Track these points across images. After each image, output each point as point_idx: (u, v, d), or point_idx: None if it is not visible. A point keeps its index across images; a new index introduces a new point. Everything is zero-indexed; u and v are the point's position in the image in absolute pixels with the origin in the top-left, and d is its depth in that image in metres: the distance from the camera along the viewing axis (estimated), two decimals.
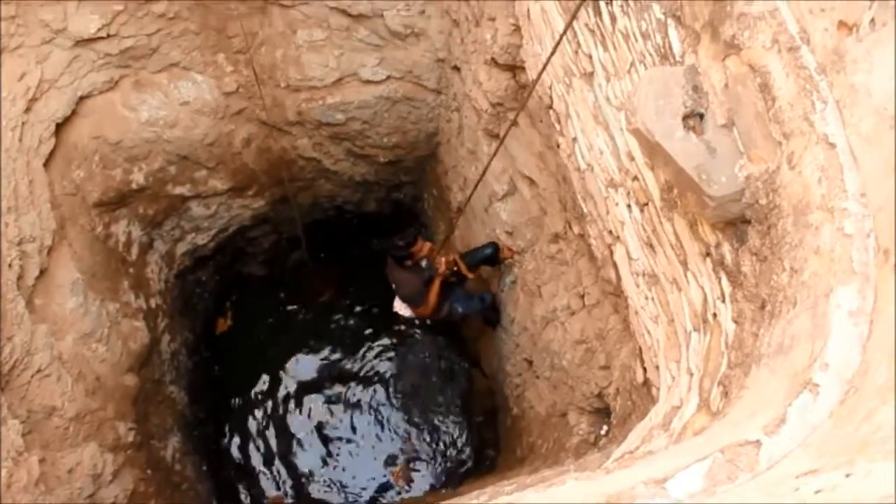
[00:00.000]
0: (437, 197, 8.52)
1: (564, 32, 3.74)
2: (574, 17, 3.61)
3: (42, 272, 5.78)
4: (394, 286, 6.89)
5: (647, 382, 4.17)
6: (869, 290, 1.86)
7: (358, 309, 9.82)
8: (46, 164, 6.03)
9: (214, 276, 9.29)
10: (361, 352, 9.53)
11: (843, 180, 1.95)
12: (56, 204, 6.11)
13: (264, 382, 9.32)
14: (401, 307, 7.08)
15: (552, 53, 3.93)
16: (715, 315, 2.90)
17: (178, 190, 7.66)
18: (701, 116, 2.52)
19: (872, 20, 1.76)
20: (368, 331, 9.67)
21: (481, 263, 7.06)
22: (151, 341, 7.26)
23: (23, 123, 5.71)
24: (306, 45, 6.78)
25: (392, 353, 9.55)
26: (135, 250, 7.41)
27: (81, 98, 6.35)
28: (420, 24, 6.49)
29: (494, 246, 6.80)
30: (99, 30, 5.94)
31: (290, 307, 9.86)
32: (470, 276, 7.04)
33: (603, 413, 5.33)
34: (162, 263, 7.96)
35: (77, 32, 5.87)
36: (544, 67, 4.11)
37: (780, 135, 2.20)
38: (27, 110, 5.76)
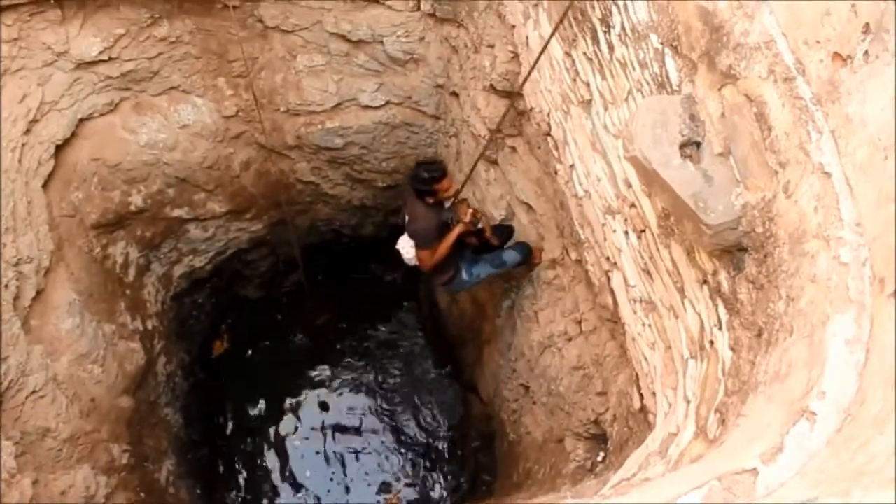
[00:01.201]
0: None
1: (553, 33, 3.78)
2: (561, 20, 3.66)
3: (39, 293, 5.77)
4: (405, 218, 6.03)
5: (643, 409, 4.17)
6: (865, 318, 1.87)
7: (355, 333, 9.80)
8: (45, 186, 6.05)
9: (211, 298, 9.27)
10: (358, 376, 9.50)
11: (839, 209, 1.97)
12: (54, 225, 6.12)
13: (260, 406, 9.27)
14: (405, 245, 6.12)
15: (540, 53, 3.98)
16: (712, 342, 2.91)
17: (177, 212, 7.67)
18: (698, 145, 2.55)
19: (866, 52, 1.79)
20: (365, 355, 9.64)
21: (507, 241, 6.37)
22: (147, 363, 7.24)
23: (23, 145, 5.73)
24: (306, 70, 6.82)
25: (389, 378, 9.51)
26: (132, 272, 7.40)
27: (81, 120, 6.37)
28: (419, 51, 6.54)
29: (512, 228, 6.30)
30: (101, 53, 5.98)
31: (286, 330, 9.83)
32: (492, 240, 6.15)
33: (600, 439, 5.31)
34: (159, 285, 7.96)
35: (79, 55, 5.91)
36: (532, 68, 4.15)
37: (777, 164, 2.22)
38: (27, 132, 5.78)
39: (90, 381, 6.22)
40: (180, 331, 8.54)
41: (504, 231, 6.34)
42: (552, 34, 3.83)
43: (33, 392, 5.50)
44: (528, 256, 6.14)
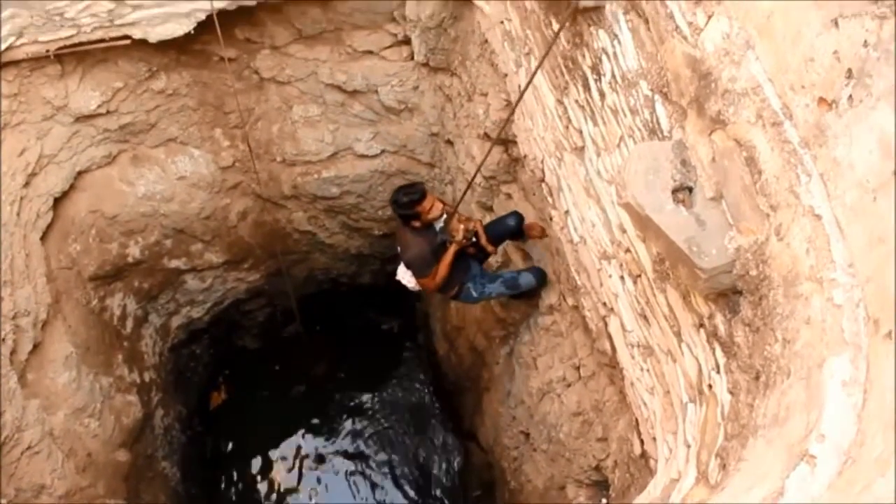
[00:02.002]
0: None
1: (538, 66, 3.83)
2: (546, 54, 3.71)
3: (35, 346, 5.75)
4: (398, 248, 5.73)
5: (644, 454, 4.13)
6: (861, 360, 1.87)
7: (353, 382, 9.74)
8: (43, 238, 6.07)
9: (209, 349, 9.24)
10: (357, 426, 9.42)
11: (831, 251, 1.98)
12: (52, 278, 6.12)
13: (258, 457, 9.17)
14: (404, 275, 5.89)
15: (524, 89, 4.02)
16: (710, 386, 2.90)
17: (174, 263, 7.68)
18: (690, 190, 2.57)
19: (850, 97, 1.82)
20: (363, 405, 9.57)
21: (504, 237, 6.00)
22: (144, 416, 7.18)
23: (21, 198, 5.77)
24: (302, 121, 6.90)
25: (388, 427, 9.43)
26: (129, 324, 7.38)
27: (80, 172, 6.42)
28: (414, 100, 6.63)
29: (518, 216, 5.80)
30: (99, 106, 6.05)
31: (285, 380, 9.77)
32: (491, 249, 5.88)
33: (601, 486, 5.25)
34: (156, 337, 7.93)
35: (77, 109, 5.98)
36: (516, 105, 4.20)
37: (768, 207, 2.24)
38: (26, 185, 5.82)
39: (87, 435, 6.16)
40: (178, 382, 8.49)
41: (502, 230, 5.90)
42: (537, 68, 3.89)
43: (28, 448, 5.44)
44: (543, 282, 5.86)
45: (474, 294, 5.90)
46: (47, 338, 5.93)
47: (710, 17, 2.45)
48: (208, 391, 9.56)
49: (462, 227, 5.46)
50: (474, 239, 5.59)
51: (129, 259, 7.18)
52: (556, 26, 3.92)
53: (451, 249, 5.48)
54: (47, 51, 5.32)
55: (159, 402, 7.77)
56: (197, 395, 9.20)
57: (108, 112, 6.16)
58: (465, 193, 5.85)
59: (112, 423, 6.52)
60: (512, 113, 4.21)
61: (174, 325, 8.27)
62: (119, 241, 7.03)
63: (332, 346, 9.81)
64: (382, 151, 7.19)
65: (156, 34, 5.40)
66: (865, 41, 1.76)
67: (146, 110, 6.39)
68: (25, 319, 5.64)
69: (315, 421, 9.45)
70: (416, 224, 5.42)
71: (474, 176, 5.60)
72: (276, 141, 7.03)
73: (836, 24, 1.85)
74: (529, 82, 4.03)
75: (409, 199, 5.32)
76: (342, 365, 9.82)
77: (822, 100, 1.94)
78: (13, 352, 5.47)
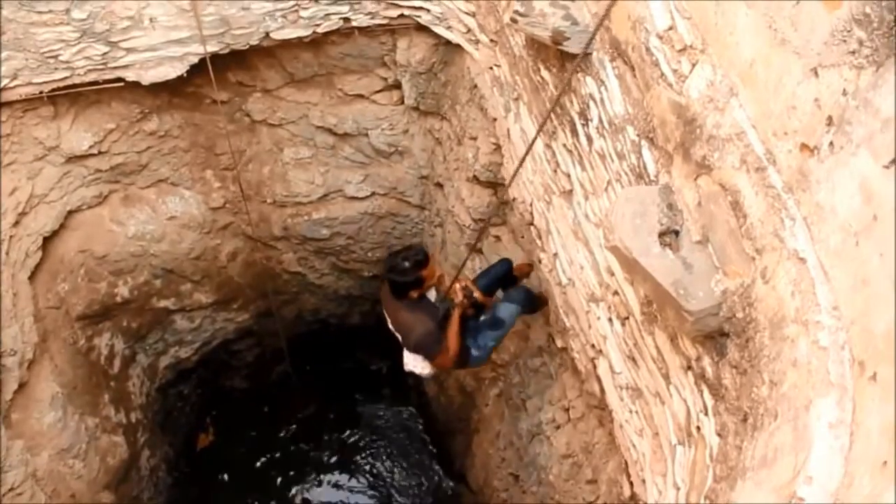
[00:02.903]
0: None
1: (537, 134, 3.88)
2: (545, 121, 3.76)
3: (21, 386, 5.70)
4: (398, 335, 5.01)
5: (634, 497, 4.11)
6: (847, 401, 1.89)
7: (342, 423, 9.66)
8: (32, 277, 6.04)
9: (196, 389, 9.16)
10: (346, 467, 9.32)
11: (816, 294, 2.01)
12: (39, 317, 6.09)
13: (246, 501, 9.04)
14: (415, 363, 5.15)
15: (525, 155, 4.07)
16: (699, 428, 2.90)
17: (163, 303, 7.66)
18: (676, 233, 2.61)
19: (831, 143, 1.87)
20: (353, 446, 9.49)
21: (496, 287, 5.47)
22: (130, 457, 7.09)
23: (10, 237, 5.76)
24: (293, 163, 6.95)
25: (378, 469, 9.34)
26: (117, 363, 7.33)
27: (70, 212, 6.42)
28: (404, 143, 6.69)
29: (507, 262, 5.44)
30: (91, 147, 6.08)
31: (273, 422, 9.69)
32: (487, 301, 5.20)
33: None
34: (144, 377, 7.87)
35: (69, 149, 6.00)
36: (519, 166, 4.24)
37: (753, 250, 2.28)
38: (16, 224, 5.81)
39: (71, 476, 6.08)
40: (165, 423, 8.40)
41: (494, 278, 5.46)
42: (535, 136, 3.95)
43: (11, 489, 5.37)
44: (530, 301, 5.32)
45: (476, 354, 5.25)
46: (33, 377, 5.88)
47: (694, 65, 2.51)
48: (195, 432, 9.46)
49: (457, 286, 4.92)
50: (474, 296, 4.99)
51: (118, 299, 7.15)
52: (544, 73, 4.00)
53: (456, 315, 4.88)
54: (41, 92, 5.37)
55: (146, 443, 7.68)
56: (184, 435, 9.10)
57: (99, 153, 6.19)
58: (466, 260, 5.37)
59: (97, 464, 6.43)
60: (520, 165, 4.17)
61: (162, 366, 8.21)
62: (108, 280, 7.01)
63: (321, 388, 9.75)
64: (372, 193, 7.24)
65: (149, 77, 5.45)
66: (845, 90, 1.81)
67: (138, 151, 6.42)
68: (11, 359, 5.59)
69: (303, 463, 9.34)
70: (414, 295, 4.76)
71: (480, 234, 5.33)
72: (267, 182, 7.06)
73: (816, 73, 1.91)
74: (534, 139, 4.10)
75: (413, 263, 4.63)
76: (331, 406, 9.75)
77: (804, 146, 1.99)
78: None
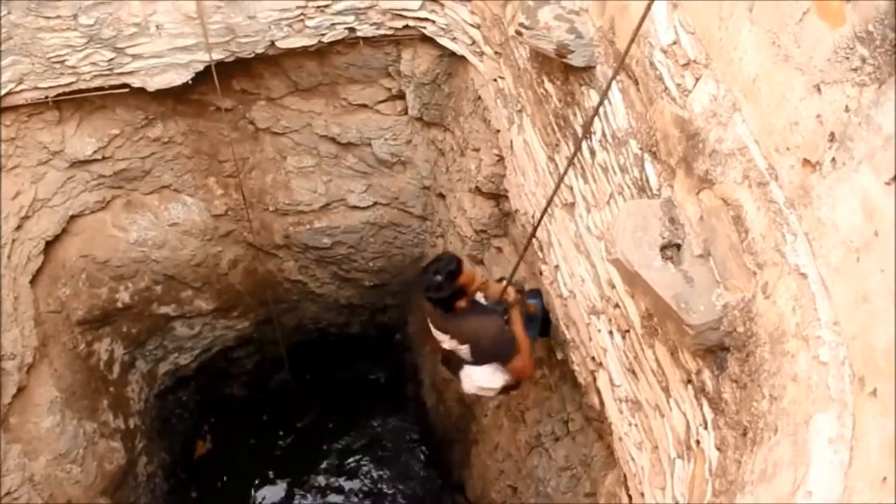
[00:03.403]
0: (422, 321, 8.55)
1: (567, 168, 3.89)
2: (574, 156, 3.78)
3: (20, 390, 5.70)
4: (461, 349, 4.48)
5: None
6: (847, 417, 1.89)
7: (340, 432, 9.65)
8: (33, 281, 6.05)
9: (195, 396, 9.15)
10: (344, 477, 9.31)
11: (816, 309, 2.02)
12: (39, 321, 6.09)
13: None
14: (483, 377, 4.62)
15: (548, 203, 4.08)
16: (698, 442, 2.90)
17: (163, 309, 7.66)
18: (678, 247, 2.62)
19: (833, 159, 1.88)
20: (351, 456, 9.47)
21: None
22: (128, 463, 7.08)
23: (13, 241, 5.77)
24: (295, 171, 6.96)
25: (375, 479, 9.32)
26: (116, 369, 7.33)
27: (72, 217, 6.43)
28: (407, 153, 6.71)
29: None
30: (95, 152, 6.09)
31: (271, 430, 9.67)
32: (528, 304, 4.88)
33: None
34: (143, 383, 7.87)
35: (73, 154, 6.02)
36: (545, 211, 4.25)
37: (754, 265, 2.29)
38: (18, 228, 5.82)
39: (68, 481, 6.07)
40: (163, 430, 8.39)
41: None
42: (566, 169, 3.96)
43: (8, 493, 5.36)
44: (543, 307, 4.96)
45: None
46: (32, 381, 5.88)
47: (697, 80, 2.53)
48: (193, 439, 9.44)
49: (510, 289, 4.61)
50: (527, 288, 4.81)
51: (119, 304, 7.16)
52: (548, 85, 4.02)
53: (516, 314, 4.57)
54: (46, 97, 5.39)
55: (143, 450, 7.68)
56: (181, 442, 9.08)
57: (103, 158, 6.20)
58: (515, 268, 4.64)
59: (94, 469, 6.43)
60: (545, 210, 3.91)
61: (161, 372, 8.21)
62: (109, 285, 7.02)
63: (320, 396, 9.74)
64: (375, 203, 7.25)
65: (154, 83, 5.47)
66: (847, 106, 1.82)
67: (141, 157, 6.43)
68: (11, 363, 5.59)
69: (301, 471, 9.33)
70: (463, 303, 4.36)
71: (527, 244, 4.46)
72: (270, 190, 7.08)
73: (819, 89, 1.92)
74: (561, 180, 4.11)
75: (446, 275, 4.22)
76: (330, 415, 9.74)
77: (806, 161, 2.00)
78: None
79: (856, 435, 1.85)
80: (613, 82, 3.22)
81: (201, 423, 9.59)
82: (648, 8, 2.40)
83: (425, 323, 4.69)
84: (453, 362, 4.80)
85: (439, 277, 4.22)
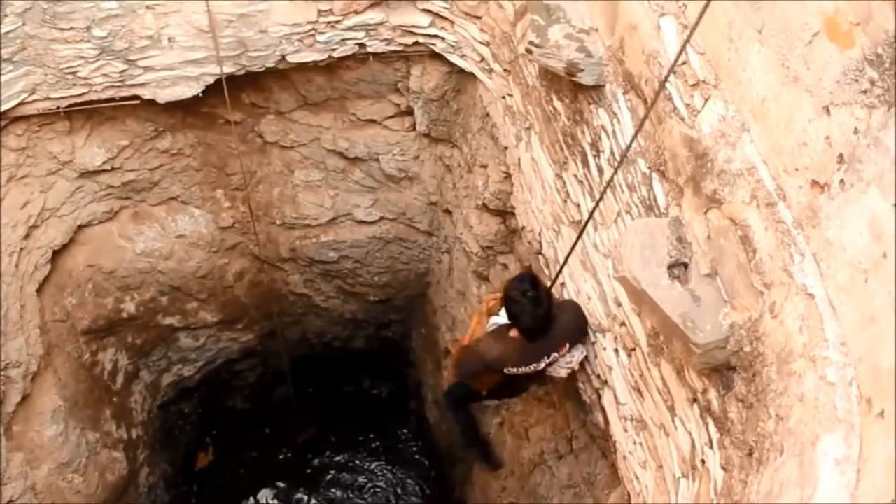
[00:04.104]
0: (426, 336, 8.55)
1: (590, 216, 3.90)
2: (602, 196, 3.78)
3: (24, 398, 5.70)
4: (560, 355, 4.23)
5: None
6: (854, 438, 1.89)
7: (342, 447, 9.62)
8: (39, 290, 6.06)
9: (198, 408, 9.15)
10: (345, 493, 9.27)
11: (824, 329, 2.02)
12: (45, 330, 6.10)
13: None
14: (580, 354, 4.36)
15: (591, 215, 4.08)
16: (703, 461, 2.90)
17: (168, 320, 7.67)
18: (685, 266, 2.62)
19: (842, 181, 1.89)
20: (352, 471, 9.44)
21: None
22: (129, 473, 7.07)
23: (21, 249, 5.79)
24: (303, 185, 6.99)
25: (377, 495, 9.28)
26: (120, 379, 7.33)
27: (80, 227, 6.46)
28: (414, 169, 6.73)
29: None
30: (104, 163, 6.12)
31: (273, 443, 9.65)
32: None
33: None
34: (146, 393, 7.86)
35: (83, 165, 6.05)
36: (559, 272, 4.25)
37: (762, 285, 2.29)
38: (26, 237, 5.85)
39: (69, 490, 6.06)
40: (165, 441, 8.38)
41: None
42: (588, 218, 3.98)
43: (9, 502, 5.36)
44: None
45: None
46: (36, 390, 5.88)
47: (706, 100, 2.54)
48: (195, 451, 9.42)
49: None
50: None
51: (124, 314, 7.17)
52: (556, 103, 4.04)
53: None
54: (58, 107, 5.42)
55: (145, 460, 7.66)
56: (183, 454, 9.07)
57: (112, 169, 6.23)
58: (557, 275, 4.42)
59: (96, 479, 6.41)
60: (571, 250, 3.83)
61: (164, 383, 8.20)
62: (115, 295, 7.03)
63: (323, 410, 9.72)
64: (381, 218, 7.27)
65: (165, 95, 5.51)
66: (856, 128, 1.83)
67: (150, 168, 6.46)
68: (16, 371, 5.60)
69: (302, 486, 9.29)
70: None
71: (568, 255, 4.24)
72: (277, 204, 7.10)
73: (828, 111, 1.94)
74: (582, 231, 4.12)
75: (533, 282, 3.96)
76: (332, 429, 9.72)
77: (814, 182, 2.01)
78: (0, 403, 5.43)
79: (863, 456, 1.85)
80: (623, 101, 3.24)
81: (203, 435, 9.57)
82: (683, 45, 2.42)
83: (486, 377, 4.45)
84: (517, 382, 4.57)
85: (526, 286, 3.88)
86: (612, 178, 3.15)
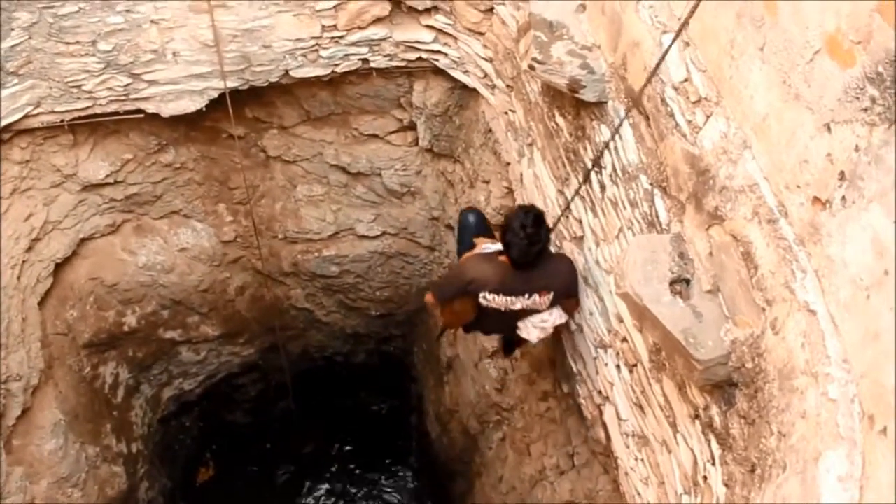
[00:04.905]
0: (427, 351, 8.54)
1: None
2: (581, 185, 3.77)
3: (24, 412, 5.69)
4: (539, 301, 4.09)
5: None
6: (857, 455, 1.89)
7: (343, 462, 9.59)
8: (41, 303, 6.07)
9: (198, 422, 9.12)
10: None
11: (825, 346, 2.02)
12: (46, 343, 6.10)
13: None
14: (558, 317, 4.25)
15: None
16: (705, 478, 2.89)
17: (170, 334, 7.67)
18: (687, 282, 2.63)
19: (843, 198, 1.89)
20: (353, 485, 9.41)
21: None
22: (129, 488, 7.04)
23: (23, 262, 5.80)
24: (305, 199, 7.01)
25: None
26: (120, 393, 7.32)
27: (83, 240, 6.47)
28: (416, 184, 6.75)
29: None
30: (107, 176, 6.15)
31: (273, 458, 9.62)
32: None
33: None
34: (147, 407, 7.85)
35: (86, 178, 6.07)
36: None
37: (764, 301, 2.29)
38: (29, 249, 5.86)
39: None
40: (165, 455, 8.35)
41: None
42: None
43: None
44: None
45: None
46: (37, 403, 5.87)
47: (708, 117, 2.56)
48: (195, 465, 9.39)
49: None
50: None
51: (125, 328, 7.17)
52: (559, 119, 4.06)
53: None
54: (62, 121, 5.45)
55: (145, 475, 7.64)
56: (183, 468, 9.03)
57: (115, 182, 6.26)
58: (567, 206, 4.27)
59: (96, 493, 6.40)
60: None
61: (165, 397, 8.19)
62: (116, 309, 7.04)
63: (323, 425, 9.70)
64: (383, 233, 7.28)
65: (168, 109, 5.54)
66: (857, 146, 1.84)
67: (153, 182, 6.49)
68: (16, 384, 5.59)
69: (303, 501, 9.26)
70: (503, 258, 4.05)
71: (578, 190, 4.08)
72: (279, 218, 7.12)
73: (829, 128, 1.95)
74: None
75: (537, 218, 3.84)
76: (332, 444, 9.69)
77: (816, 199, 2.02)
78: (1, 416, 5.42)
79: (865, 473, 1.85)
80: (624, 116, 3.25)
81: (204, 450, 9.55)
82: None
83: (460, 295, 4.31)
84: (489, 321, 4.45)
85: (531, 229, 3.77)
86: (594, 165, 3.15)
